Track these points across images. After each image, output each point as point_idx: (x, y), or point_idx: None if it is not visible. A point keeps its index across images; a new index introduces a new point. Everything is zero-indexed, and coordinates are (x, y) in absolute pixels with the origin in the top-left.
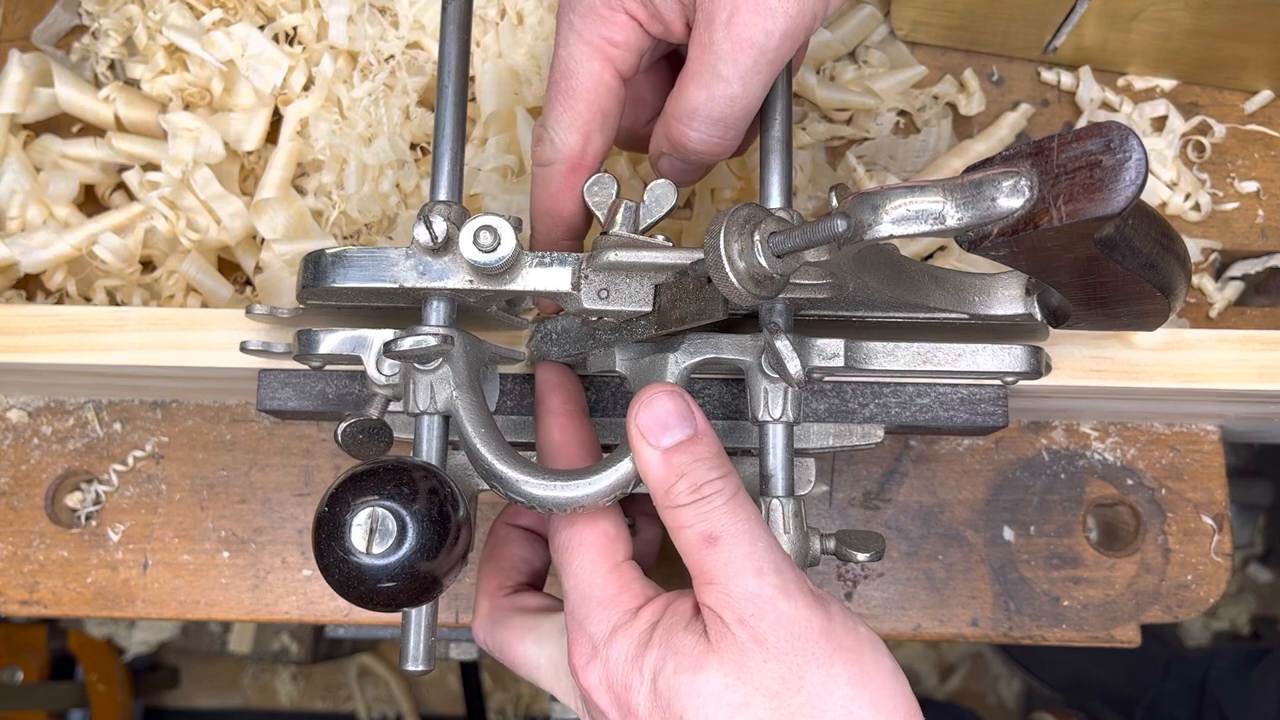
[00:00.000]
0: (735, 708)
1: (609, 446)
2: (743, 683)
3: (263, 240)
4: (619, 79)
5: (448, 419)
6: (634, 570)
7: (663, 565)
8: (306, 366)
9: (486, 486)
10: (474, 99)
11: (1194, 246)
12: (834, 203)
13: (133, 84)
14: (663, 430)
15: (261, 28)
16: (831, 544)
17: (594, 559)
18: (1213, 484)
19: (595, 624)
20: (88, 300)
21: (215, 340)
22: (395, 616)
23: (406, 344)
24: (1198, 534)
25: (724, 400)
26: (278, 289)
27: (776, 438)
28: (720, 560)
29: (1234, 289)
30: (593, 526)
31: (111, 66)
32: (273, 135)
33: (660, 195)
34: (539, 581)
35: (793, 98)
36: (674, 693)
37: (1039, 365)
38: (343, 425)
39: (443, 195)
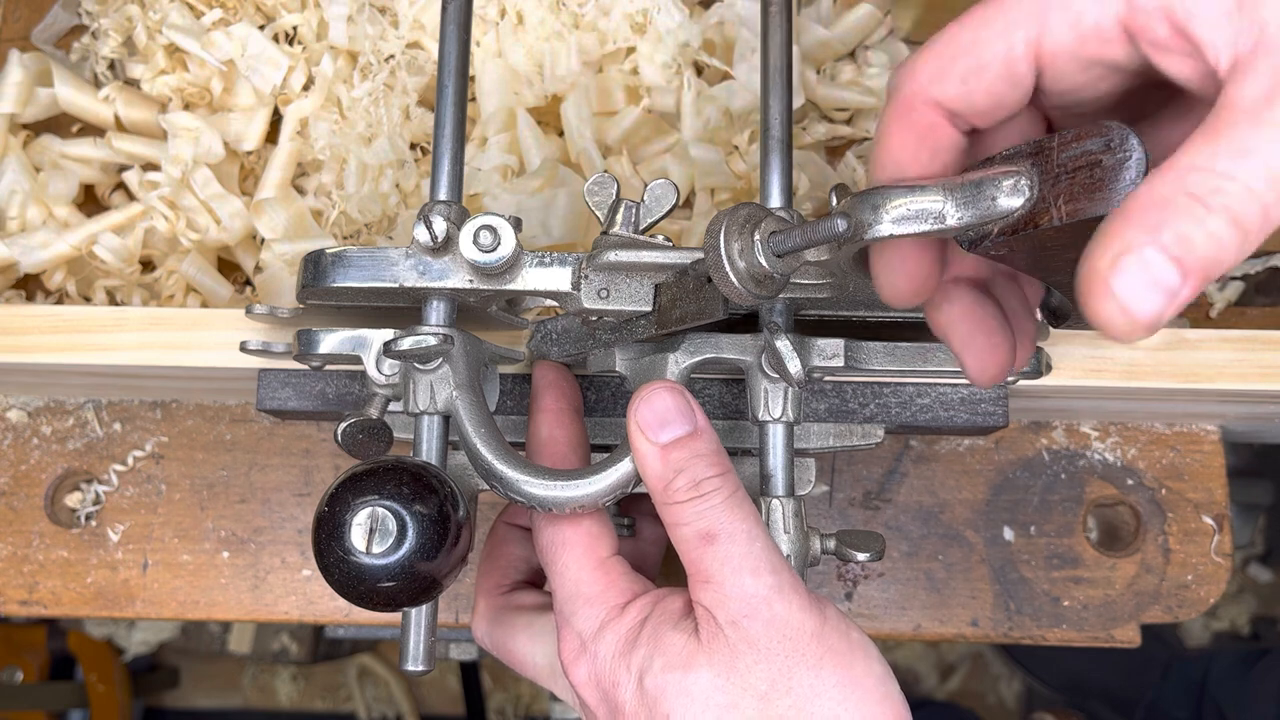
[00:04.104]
0: (722, 708)
1: (608, 446)
2: (731, 683)
3: (263, 240)
4: (1027, 86)
5: (448, 419)
6: (621, 566)
7: (666, 565)
8: (306, 366)
9: (486, 486)
10: (474, 99)
11: None
12: (834, 202)
13: (132, 84)
14: (662, 426)
15: (261, 28)
16: (831, 544)
17: (579, 556)
18: (1213, 484)
19: (582, 620)
20: (88, 300)
21: (215, 340)
22: (395, 616)
23: (406, 343)
24: (1198, 534)
25: (724, 400)
26: (278, 289)
27: (776, 437)
28: (717, 559)
29: (1234, 289)
30: (576, 524)
31: (111, 66)
32: (273, 135)
33: (660, 195)
34: (538, 580)
35: (793, 97)
36: (661, 691)
37: (1039, 365)
38: (342, 425)
39: (443, 195)
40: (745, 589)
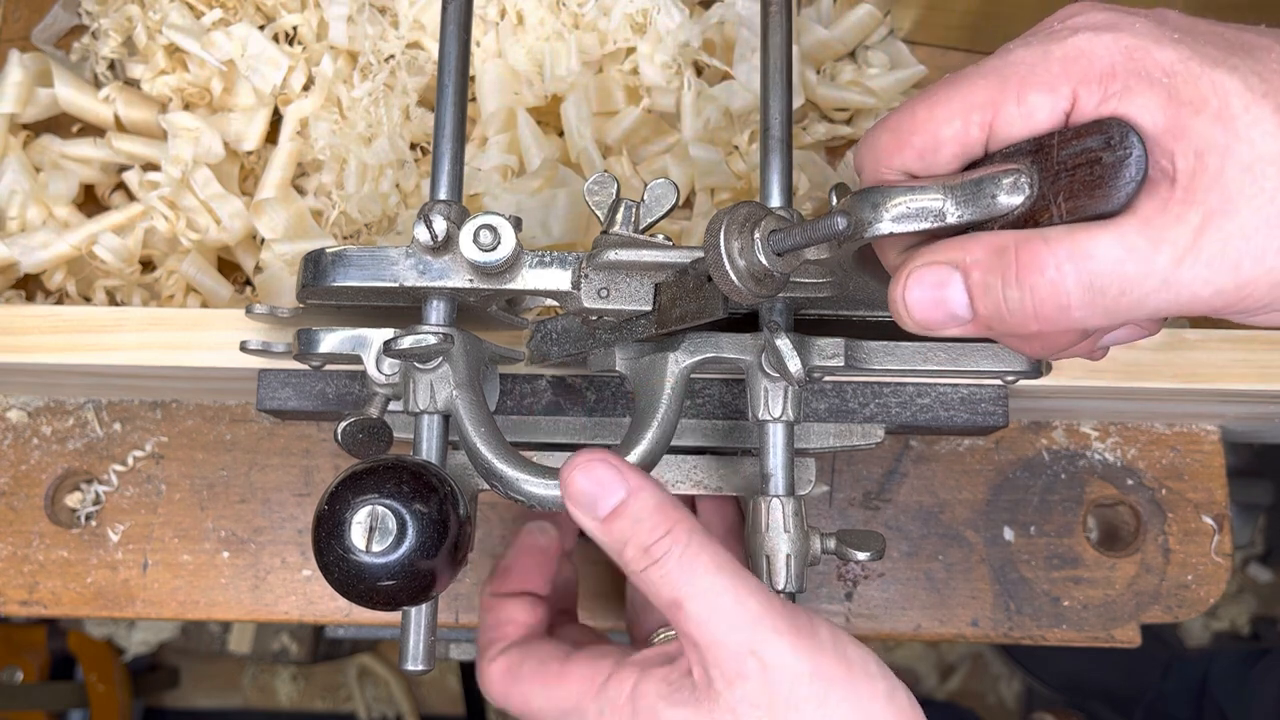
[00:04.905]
0: None
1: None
2: None
3: (263, 240)
4: (979, 153)
5: (448, 418)
6: (581, 661)
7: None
8: (306, 366)
9: (487, 486)
10: (474, 99)
11: None
12: (834, 202)
13: (133, 84)
14: (594, 503)
15: (261, 28)
16: (832, 543)
17: (539, 688)
18: (1213, 484)
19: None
20: (88, 300)
21: (215, 340)
22: (395, 616)
23: (406, 342)
24: (1198, 534)
25: (724, 400)
26: (278, 289)
27: (776, 437)
28: (691, 622)
29: None
30: (522, 657)
31: (111, 66)
32: (273, 135)
33: (660, 194)
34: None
35: (793, 97)
36: None
37: (1039, 365)
38: (342, 425)
39: (443, 194)
40: (729, 649)
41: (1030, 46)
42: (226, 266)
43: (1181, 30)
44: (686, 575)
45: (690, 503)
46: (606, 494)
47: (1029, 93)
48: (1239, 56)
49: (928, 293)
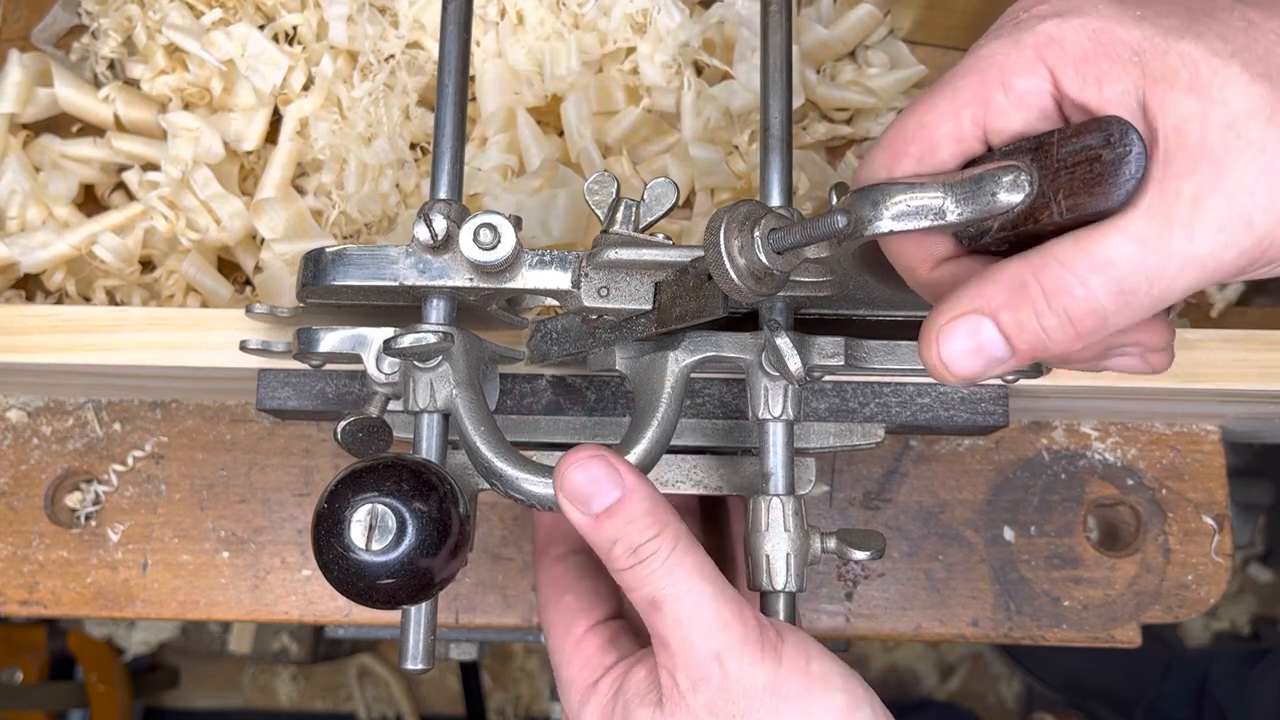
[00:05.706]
0: None
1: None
2: None
3: (262, 240)
4: (978, 150)
5: (447, 417)
6: (595, 640)
7: None
8: (306, 365)
9: (486, 486)
10: (474, 99)
11: None
12: (834, 201)
13: (132, 84)
14: (590, 498)
15: (261, 27)
16: (832, 543)
17: (558, 637)
18: (1213, 484)
19: (568, 702)
20: (87, 300)
21: (215, 340)
22: (394, 616)
23: (406, 341)
24: (1198, 534)
25: (724, 400)
26: (277, 289)
27: (776, 436)
28: (665, 623)
29: (1234, 289)
30: (555, 603)
31: (111, 66)
32: (272, 135)
33: (660, 194)
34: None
35: (793, 97)
36: None
37: (1039, 364)
38: (342, 424)
39: (443, 194)
40: (697, 652)
41: (1000, 39)
42: (226, 266)
43: (1143, 5)
44: (668, 578)
45: (694, 501)
46: (602, 492)
47: (1012, 78)
48: (1201, 22)
49: (962, 344)
